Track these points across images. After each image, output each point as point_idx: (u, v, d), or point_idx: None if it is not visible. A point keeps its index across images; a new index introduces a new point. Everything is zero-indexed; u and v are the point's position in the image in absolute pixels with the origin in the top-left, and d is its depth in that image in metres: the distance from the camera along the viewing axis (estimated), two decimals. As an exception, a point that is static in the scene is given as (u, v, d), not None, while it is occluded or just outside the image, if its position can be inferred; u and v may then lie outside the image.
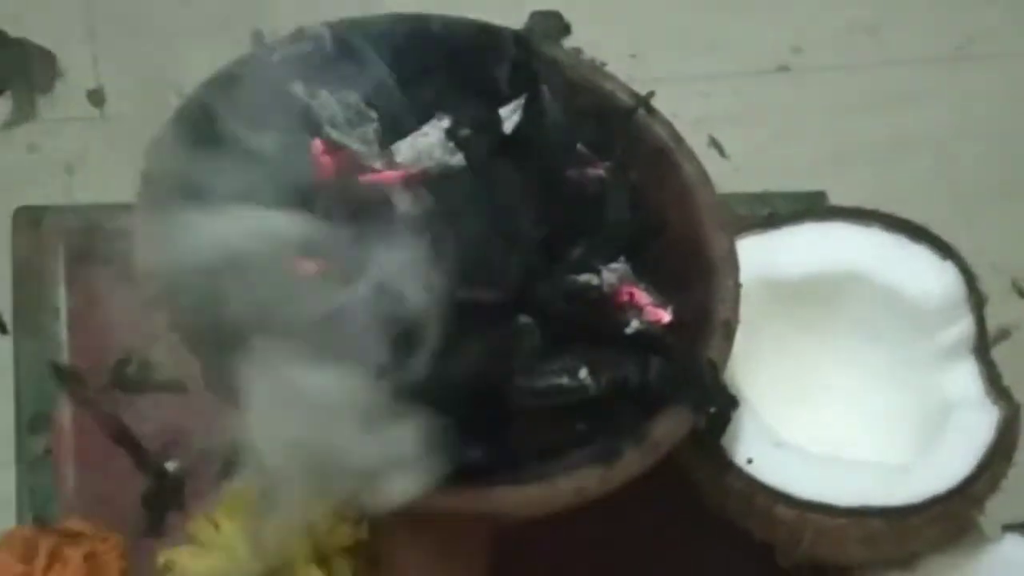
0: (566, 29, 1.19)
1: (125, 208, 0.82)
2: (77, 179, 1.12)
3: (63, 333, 0.97)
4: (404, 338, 0.78)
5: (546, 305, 0.80)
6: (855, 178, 1.15)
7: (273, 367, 0.75)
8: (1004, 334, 1.01)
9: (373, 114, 0.84)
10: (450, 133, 0.82)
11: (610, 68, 0.93)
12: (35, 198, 1.02)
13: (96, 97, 1.14)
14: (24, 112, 1.14)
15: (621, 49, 1.06)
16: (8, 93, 1.13)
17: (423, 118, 0.84)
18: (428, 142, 0.82)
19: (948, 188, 1.20)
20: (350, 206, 0.81)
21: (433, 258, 0.79)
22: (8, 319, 0.99)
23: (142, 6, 1.15)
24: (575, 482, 0.79)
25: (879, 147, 1.21)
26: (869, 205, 0.97)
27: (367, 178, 0.82)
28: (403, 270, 0.79)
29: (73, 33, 1.15)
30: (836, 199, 1.05)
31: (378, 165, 0.82)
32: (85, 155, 1.13)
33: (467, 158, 0.82)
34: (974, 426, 0.91)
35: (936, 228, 0.97)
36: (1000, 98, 1.24)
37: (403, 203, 0.81)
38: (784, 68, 1.24)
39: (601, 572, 0.92)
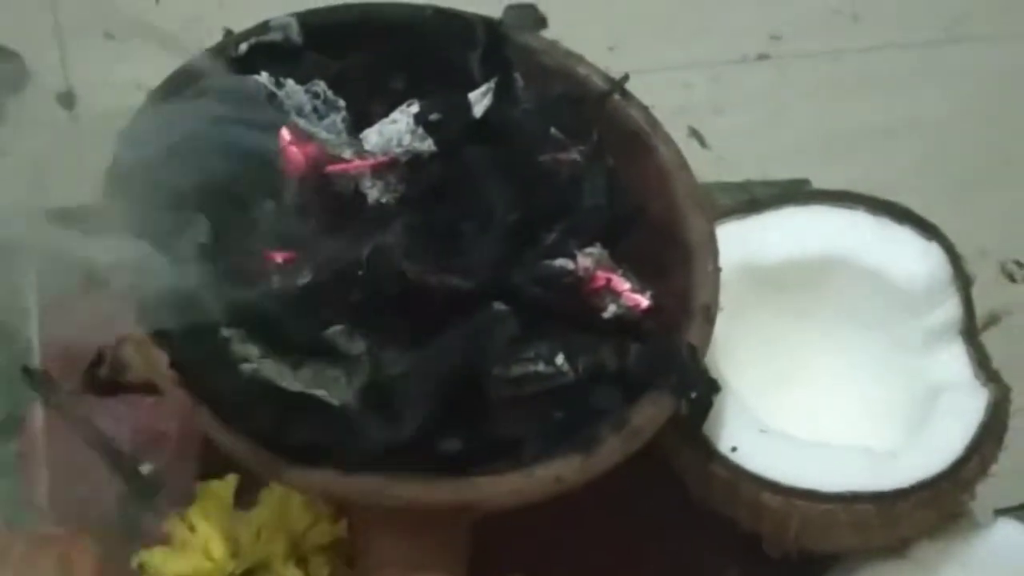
0: (542, 22, 1.18)
1: (96, 210, 0.81)
2: (48, 182, 1.11)
3: (34, 336, 0.96)
4: (378, 330, 0.77)
5: (521, 291, 0.79)
6: (840, 166, 1.14)
7: None
8: (994, 319, 0.99)
9: (341, 103, 0.83)
10: (419, 118, 0.81)
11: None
12: (5, 201, 1.00)
13: (66, 99, 1.13)
14: (-8, 116, 1.12)
15: (599, 41, 1.04)
16: (-24, 97, 1.12)
17: (393, 105, 0.83)
18: (397, 128, 0.81)
19: (935, 174, 1.18)
20: (319, 195, 0.80)
21: (405, 246, 0.78)
22: (-22, 323, 0.98)
23: (110, 6, 1.14)
24: (554, 470, 0.77)
25: (864, 134, 1.20)
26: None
27: (336, 167, 0.80)
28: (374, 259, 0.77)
29: (41, 35, 1.14)
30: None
31: (347, 154, 0.81)
32: (55, 158, 1.12)
33: (437, 143, 0.80)
34: (963, 409, 0.90)
35: (924, 214, 0.96)
36: (987, 81, 1.23)
37: (373, 191, 0.80)
38: (764, 56, 1.23)
39: (584, 563, 0.90)
